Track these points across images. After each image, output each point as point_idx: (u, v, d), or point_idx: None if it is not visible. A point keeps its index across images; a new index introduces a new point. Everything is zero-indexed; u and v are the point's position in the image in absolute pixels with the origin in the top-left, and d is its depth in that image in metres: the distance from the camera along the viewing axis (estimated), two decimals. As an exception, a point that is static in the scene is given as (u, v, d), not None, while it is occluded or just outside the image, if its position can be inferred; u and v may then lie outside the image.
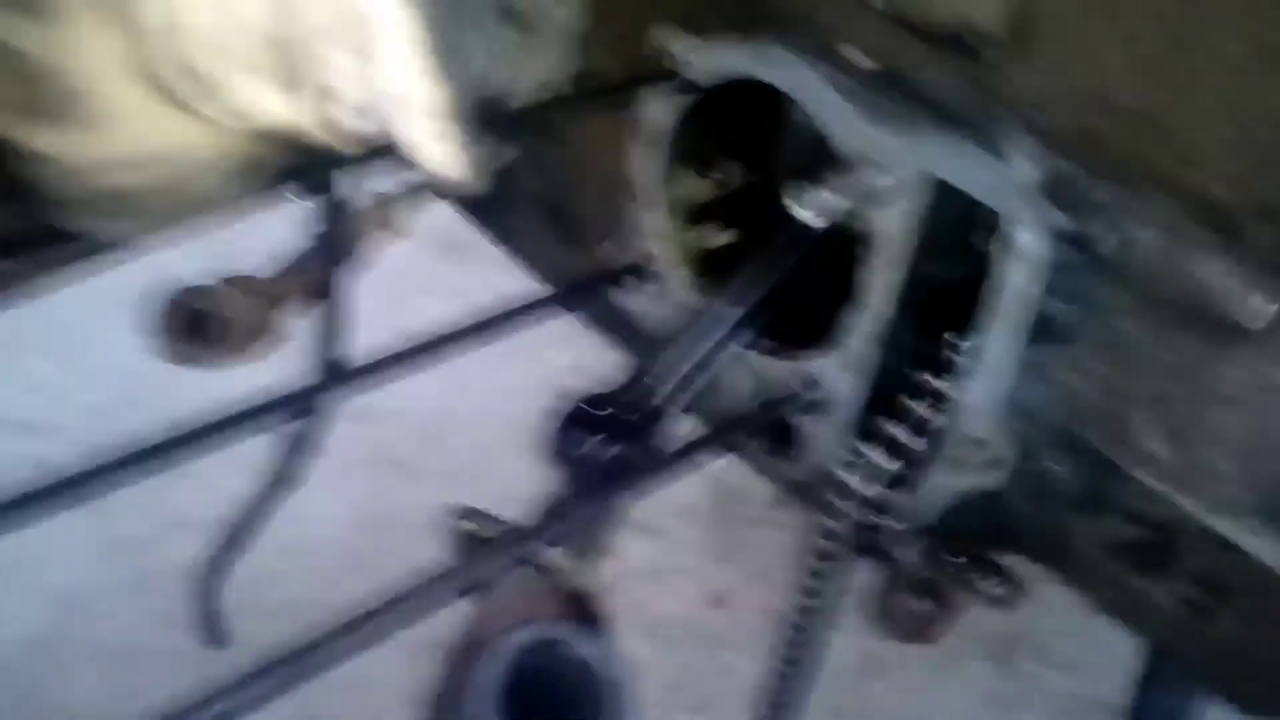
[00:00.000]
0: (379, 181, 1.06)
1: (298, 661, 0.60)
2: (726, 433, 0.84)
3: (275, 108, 0.40)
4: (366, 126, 0.44)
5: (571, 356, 2.47)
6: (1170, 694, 1.33)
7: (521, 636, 0.79)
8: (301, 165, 0.69)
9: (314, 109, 0.40)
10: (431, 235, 2.48)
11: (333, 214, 0.77)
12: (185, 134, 0.43)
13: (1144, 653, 1.27)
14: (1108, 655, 2.09)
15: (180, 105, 0.39)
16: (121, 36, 0.37)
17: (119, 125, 0.41)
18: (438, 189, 0.46)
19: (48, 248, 0.60)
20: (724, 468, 2.43)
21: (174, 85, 0.38)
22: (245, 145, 0.45)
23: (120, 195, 0.43)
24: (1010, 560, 0.88)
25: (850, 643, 2.08)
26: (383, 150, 0.70)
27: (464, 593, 0.83)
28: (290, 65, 0.39)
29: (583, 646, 0.79)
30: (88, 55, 0.38)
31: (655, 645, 2.07)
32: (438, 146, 0.45)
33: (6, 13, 0.36)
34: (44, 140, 0.41)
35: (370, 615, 0.64)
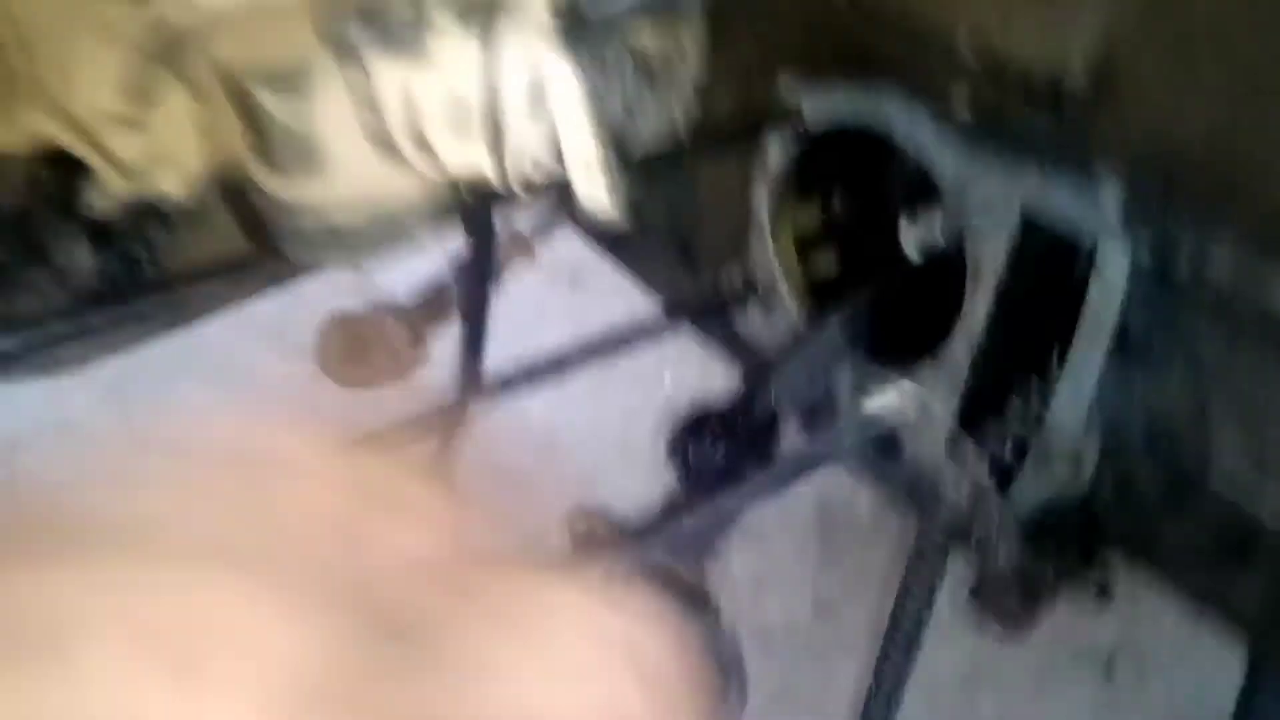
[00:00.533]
0: (517, 219, 1.16)
1: None
2: (830, 440, 0.91)
3: (475, 163, 0.50)
4: (536, 175, 0.54)
5: (678, 379, 2.55)
6: (1272, 709, 1.34)
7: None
8: (466, 203, 0.79)
9: (503, 163, 0.50)
10: (554, 267, 2.60)
11: (483, 244, 0.87)
12: (398, 183, 0.53)
13: (1245, 663, 1.30)
14: (1209, 668, 2.09)
15: (401, 162, 0.50)
16: (365, 109, 0.47)
17: (347, 177, 0.51)
18: (587, 223, 0.55)
19: (262, 269, 0.71)
20: (826, 479, 2.49)
21: (402, 147, 0.48)
22: (439, 190, 0.55)
23: (336, 231, 0.52)
24: (1105, 564, 0.93)
25: (954, 653, 2.13)
26: (533, 190, 0.80)
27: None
28: (493, 130, 0.48)
29: (701, 635, 0.86)
30: (334, 122, 0.48)
31: (759, 653, 2.13)
32: (594, 189, 0.54)
33: (274, 88, 0.46)
34: (281, 185, 0.51)
35: None
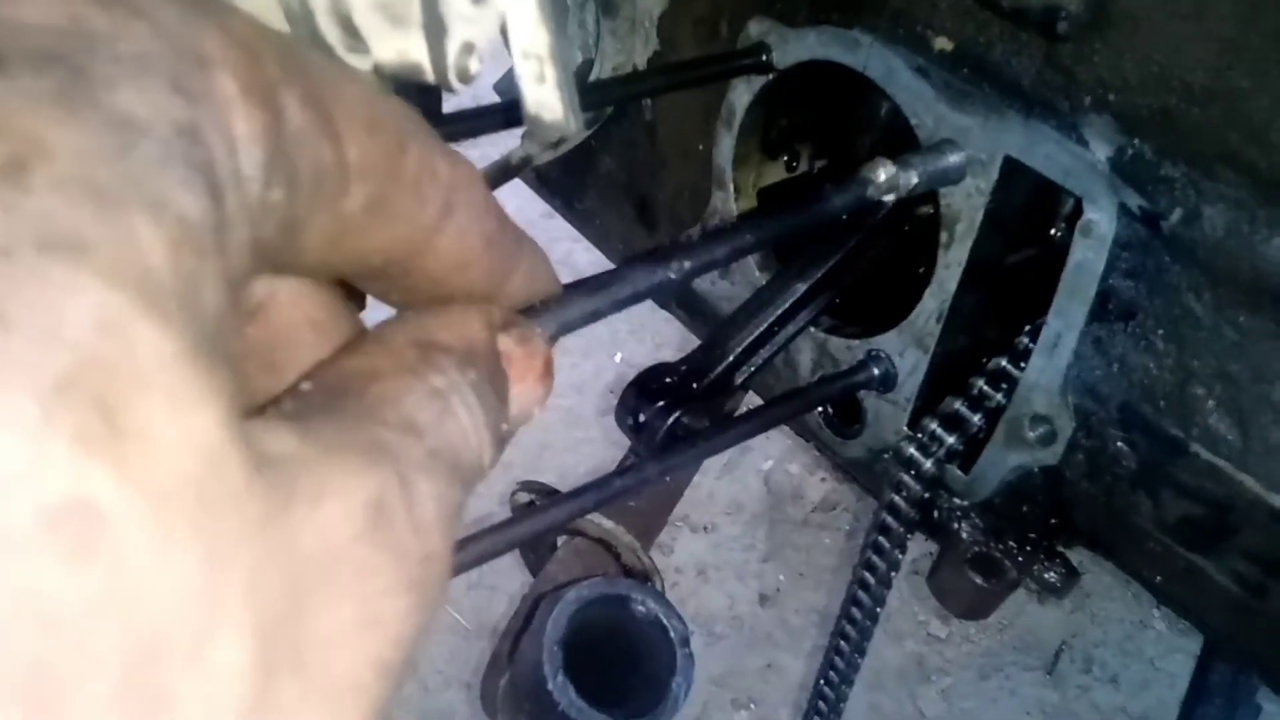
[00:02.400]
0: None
1: None
2: (788, 404, 0.86)
3: (410, 54, 0.44)
4: (477, 67, 0.48)
5: (626, 356, 2.51)
6: (1215, 711, 1.33)
7: (584, 589, 0.81)
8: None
9: (452, 53, 0.44)
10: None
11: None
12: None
13: (1190, 666, 1.27)
14: (1152, 670, 2.09)
15: (326, 51, 0.43)
16: (286, -8, 0.41)
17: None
18: (533, 138, 0.49)
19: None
20: (774, 469, 2.46)
21: (327, 33, 0.42)
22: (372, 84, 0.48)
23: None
24: (1065, 556, 0.89)
25: (898, 648, 2.10)
26: (480, 114, 0.74)
27: (518, 547, 0.85)
28: (435, 15, 0.42)
29: (644, 602, 0.81)
30: (254, 5, 0.42)
31: (703, 640, 2.09)
32: (547, 88, 0.48)
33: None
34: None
35: None
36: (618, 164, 1.06)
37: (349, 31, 0.45)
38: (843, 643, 0.94)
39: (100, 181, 0.21)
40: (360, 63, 0.47)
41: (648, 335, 2.50)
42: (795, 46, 0.83)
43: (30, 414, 0.18)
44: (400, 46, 0.46)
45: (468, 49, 0.46)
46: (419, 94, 0.59)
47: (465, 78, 0.48)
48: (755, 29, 0.85)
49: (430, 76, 0.47)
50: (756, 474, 2.39)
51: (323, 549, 0.23)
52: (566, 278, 0.45)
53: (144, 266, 0.20)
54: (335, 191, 0.28)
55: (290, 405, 0.27)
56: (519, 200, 1.35)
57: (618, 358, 2.50)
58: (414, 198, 0.30)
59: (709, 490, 2.32)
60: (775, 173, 0.96)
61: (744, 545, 2.30)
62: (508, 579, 1.89)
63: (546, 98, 0.48)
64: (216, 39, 0.25)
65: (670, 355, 1.18)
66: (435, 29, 0.45)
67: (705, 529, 2.29)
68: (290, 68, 0.26)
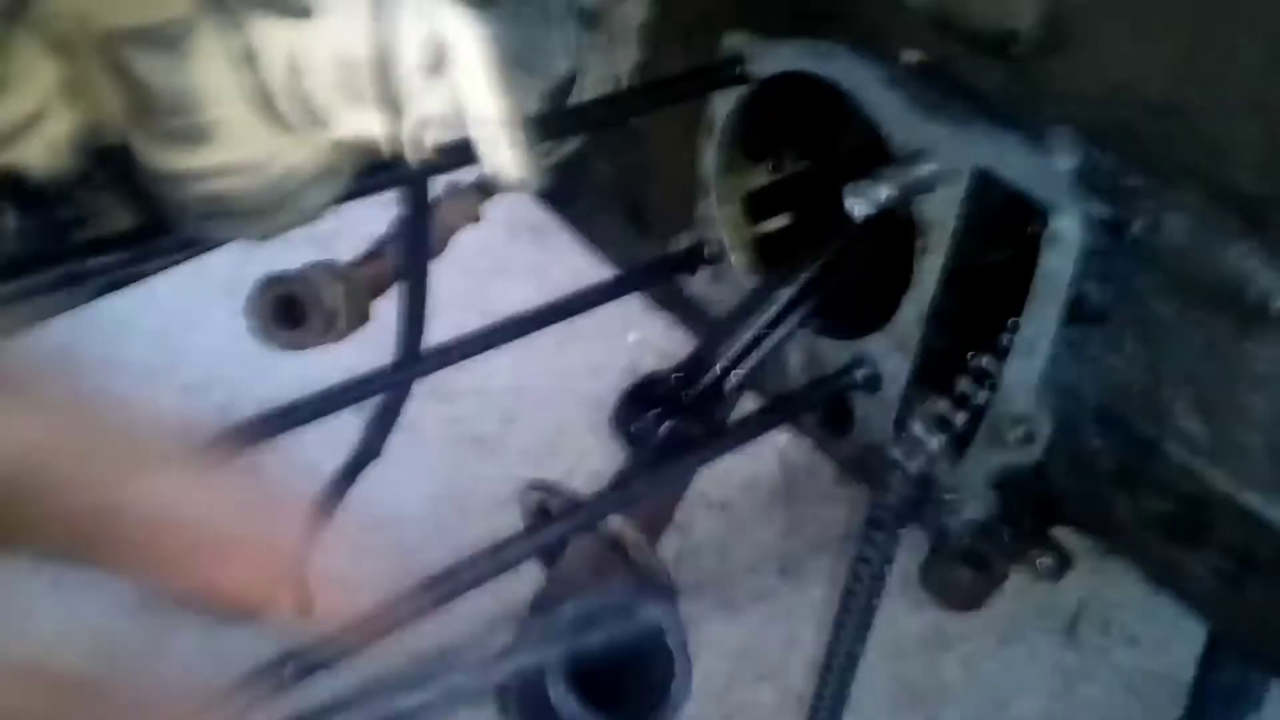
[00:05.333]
0: (457, 173, 1.12)
1: (376, 620, 0.64)
2: (780, 409, 0.88)
3: (374, 129, 0.46)
4: (447, 138, 0.50)
5: (642, 336, 2.53)
6: (1233, 669, 1.34)
7: (585, 602, 0.84)
8: (388, 163, 0.75)
9: (407, 128, 0.46)
10: (509, 218, 2.56)
11: (415, 203, 0.83)
12: (284, 149, 0.49)
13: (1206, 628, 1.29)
14: (1172, 629, 2.10)
15: (288, 128, 0.45)
16: (246, 72, 0.43)
17: (231, 145, 0.47)
18: (503, 187, 0.52)
19: (156, 241, 0.67)
20: (789, 444, 2.47)
21: (287, 112, 0.44)
22: (334, 156, 0.51)
23: (223, 202, 0.48)
24: (1061, 532, 0.91)
25: (916, 616, 2.13)
26: (462, 149, 0.76)
27: (532, 557, 0.88)
28: (390, 92, 0.44)
29: (646, 612, 0.84)
30: (214, 86, 0.44)
31: (724, 617, 2.12)
32: (502, 151, 0.51)
33: (146, 47, 0.42)
34: (162, 155, 0.47)
35: (444, 576, 0.68)
36: (608, 171, 1.08)
37: (307, 111, 0.47)
38: (840, 633, 0.96)
39: None
40: (321, 138, 0.49)
41: (661, 314, 2.52)
42: (771, 59, 0.85)
43: None
44: (357, 124, 0.48)
45: (423, 123, 0.48)
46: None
47: (423, 150, 0.50)
48: (731, 42, 0.86)
49: (391, 150, 0.50)
50: (772, 449, 2.41)
51: None
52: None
53: None
54: None
55: None
56: (512, 204, 1.37)
57: (631, 337, 2.52)
58: None
59: (725, 467, 2.34)
60: (760, 177, 0.98)
61: (762, 520, 2.33)
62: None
63: (505, 161, 0.50)
64: None
65: (683, 334, 1.20)
66: (390, 106, 0.47)
67: (722, 506, 2.32)
68: None
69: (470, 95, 0.48)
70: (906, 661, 2.09)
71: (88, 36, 0.43)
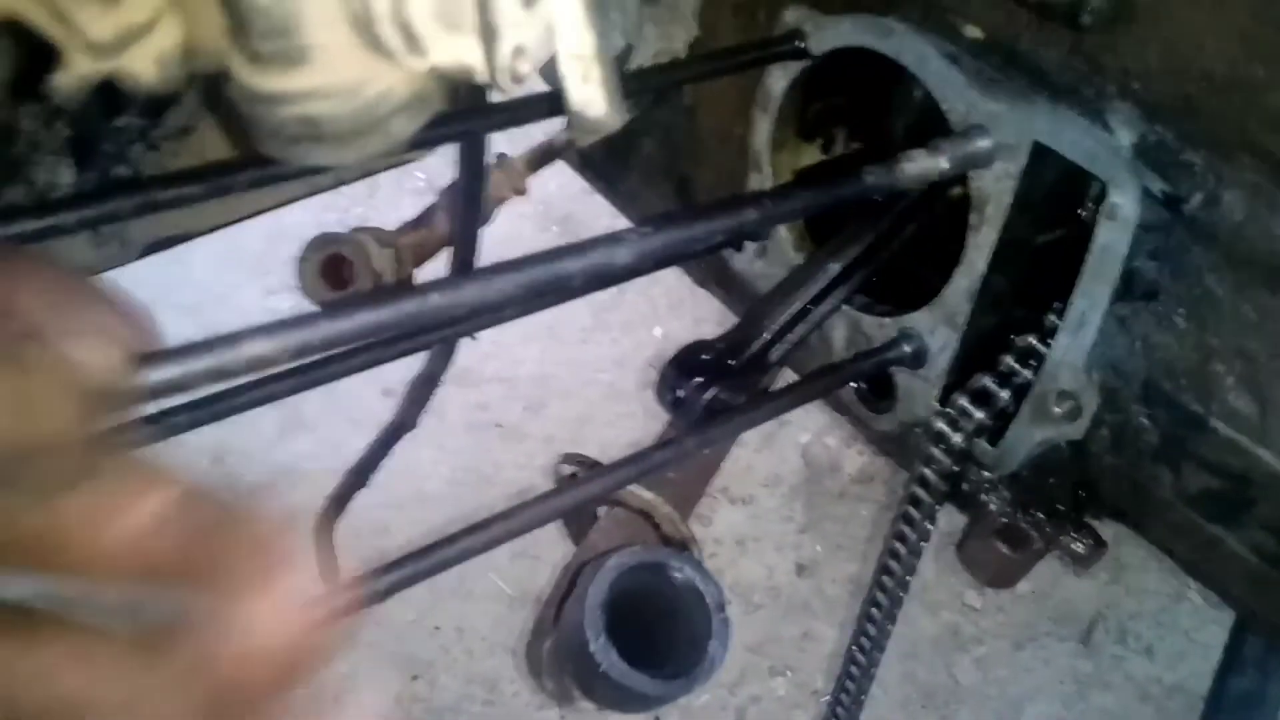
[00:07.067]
0: (504, 146, 1.14)
1: (409, 564, 0.64)
2: (822, 380, 0.89)
3: (470, 58, 0.47)
4: (526, 69, 0.51)
5: (667, 331, 2.54)
6: (1250, 678, 1.34)
7: (625, 556, 0.84)
8: (452, 114, 0.76)
9: (502, 57, 0.47)
10: (537, 212, 2.58)
11: (474, 161, 0.85)
12: (379, 73, 0.50)
13: (1225, 639, 1.29)
14: (1187, 642, 2.11)
15: (385, 53, 0.47)
16: (349, -7, 0.44)
17: (329, 68, 0.48)
18: (581, 154, 0.53)
19: (249, 170, 0.69)
20: (811, 442, 2.48)
21: (387, 38, 0.45)
22: (425, 84, 0.52)
23: (316, 124, 0.49)
24: (1092, 528, 0.92)
25: (934, 618, 2.13)
26: (525, 104, 0.78)
27: (561, 517, 0.88)
28: (488, 21, 0.46)
29: (682, 569, 0.84)
30: (315, 9, 0.46)
31: (741, 609, 2.13)
32: (590, 87, 0.52)
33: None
34: (260, 76, 0.48)
35: (476, 527, 0.68)
36: (658, 146, 1.09)
37: (408, 37, 0.48)
38: (874, 610, 0.97)
39: None
40: (418, 65, 0.50)
41: (687, 311, 2.53)
42: (830, 33, 0.86)
43: None
44: (455, 51, 0.49)
45: (518, 52, 0.50)
46: (469, 87, 0.62)
47: (517, 79, 0.51)
48: (791, 16, 0.87)
49: (484, 78, 0.51)
50: (794, 447, 2.42)
51: None
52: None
53: None
54: None
55: None
56: (561, 179, 1.38)
57: (658, 332, 2.54)
58: None
59: (747, 463, 2.35)
60: (811, 155, 0.99)
61: (782, 517, 2.33)
62: (550, 549, 1.94)
63: (591, 96, 0.51)
64: None
65: (709, 330, 1.21)
66: (488, 34, 0.48)
67: (744, 501, 2.33)
68: None
69: (563, 28, 0.49)
70: (921, 662, 2.09)
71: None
